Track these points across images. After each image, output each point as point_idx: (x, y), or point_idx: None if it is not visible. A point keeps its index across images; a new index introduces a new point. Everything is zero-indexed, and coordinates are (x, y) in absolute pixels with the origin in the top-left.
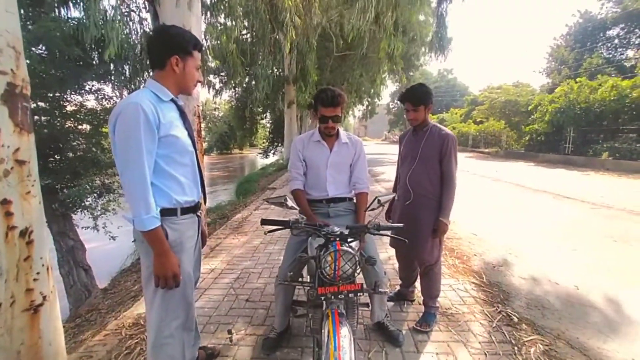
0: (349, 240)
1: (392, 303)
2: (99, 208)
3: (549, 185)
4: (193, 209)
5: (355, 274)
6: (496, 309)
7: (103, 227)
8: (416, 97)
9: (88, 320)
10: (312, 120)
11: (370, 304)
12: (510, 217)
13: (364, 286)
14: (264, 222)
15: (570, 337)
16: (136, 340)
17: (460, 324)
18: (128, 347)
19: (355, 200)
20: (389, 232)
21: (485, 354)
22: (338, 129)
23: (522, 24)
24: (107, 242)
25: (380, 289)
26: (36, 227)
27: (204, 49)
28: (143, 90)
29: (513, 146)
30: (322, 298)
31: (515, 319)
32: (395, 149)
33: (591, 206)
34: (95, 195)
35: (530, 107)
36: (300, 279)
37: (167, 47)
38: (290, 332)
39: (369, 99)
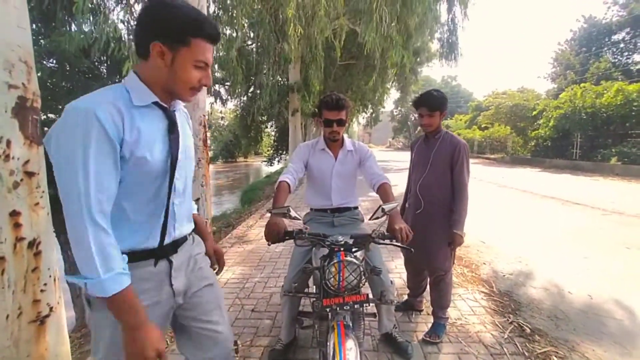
0: (354, 250)
1: (400, 313)
2: None
3: (557, 191)
4: (151, 253)
5: (361, 285)
6: (507, 320)
7: None
8: (432, 102)
9: None
10: (316, 128)
11: (377, 315)
12: (519, 224)
13: (370, 296)
14: (269, 235)
15: (586, 349)
16: None
17: (470, 335)
18: None
19: (368, 200)
20: (394, 242)
21: None
22: (343, 137)
23: (526, 30)
24: None
25: (386, 299)
26: (44, 239)
27: None
28: (112, 87)
29: (519, 152)
30: (328, 309)
31: (528, 330)
32: (399, 156)
33: (602, 212)
34: None
35: (534, 113)
36: (306, 290)
37: (150, 29)
38: (296, 343)
39: (373, 107)
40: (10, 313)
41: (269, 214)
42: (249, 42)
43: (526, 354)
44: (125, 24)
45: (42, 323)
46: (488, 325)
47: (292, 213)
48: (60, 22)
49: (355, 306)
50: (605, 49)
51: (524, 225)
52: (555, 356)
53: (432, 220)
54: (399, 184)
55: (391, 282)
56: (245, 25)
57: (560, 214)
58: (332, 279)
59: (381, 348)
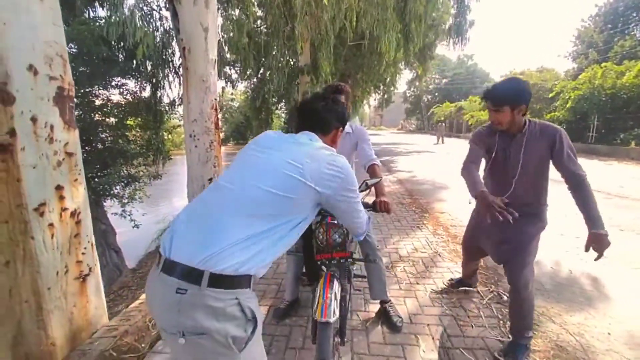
0: None
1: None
2: (126, 196)
3: None
4: None
5: (346, 244)
6: (489, 289)
7: (129, 215)
8: (496, 94)
9: (120, 296)
10: None
11: (368, 280)
12: None
13: (354, 255)
14: None
15: (554, 313)
16: None
17: (452, 301)
18: None
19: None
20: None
21: (472, 326)
22: None
23: (547, 5)
24: (134, 228)
25: (370, 258)
26: (83, 209)
27: (220, 41)
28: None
29: None
30: (319, 263)
31: (505, 298)
32: (410, 139)
33: (605, 196)
34: (122, 184)
35: (551, 95)
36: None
37: (338, 120)
38: (299, 302)
39: (385, 88)
40: (59, 270)
41: None
42: (258, 22)
43: (500, 316)
44: (140, 11)
45: (83, 280)
46: (471, 293)
47: None
48: (80, 10)
49: (341, 261)
50: (633, 25)
51: None
52: None
53: (524, 224)
54: (413, 169)
55: (377, 246)
56: (255, 4)
57: (563, 196)
58: (321, 236)
59: (371, 309)
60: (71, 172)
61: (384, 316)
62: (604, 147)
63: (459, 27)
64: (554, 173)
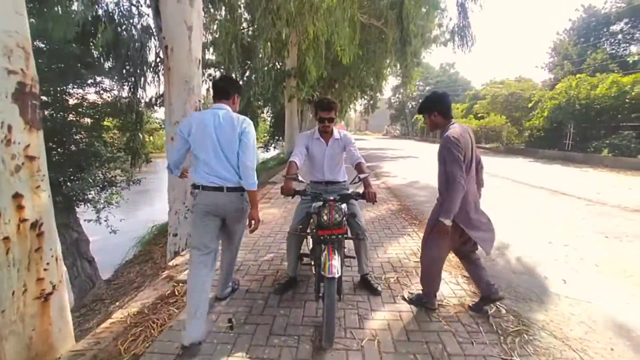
0: (337, 200)
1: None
2: (102, 201)
3: (546, 181)
4: None
5: (343, 223)
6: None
7: (105, 221)
8: (420, 106)
9: (93, 310)
10: (314, 116)
11: (357, 257)
12: (506, 213)
13: (349, 233)
14: (284, 192)
15: (554, 328)
16: (141, 328)
17: (450, 315)
18: (133, 334)
19: (347, 180)
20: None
21: (472, 343)
22: (332, 128)
23: (526, 17)
24: (110, 234)
25: (360, 236)
26: (46, 220)
27: (204, 42)
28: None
29: (514, 142)
30: (321, 237)
31: (503, 311)
32: (395, 144)
33: (586, 203)
34: (98, 188)
35: (530, 104)
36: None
37: (236, 88)
38: (297, 283)
39: (371, 93)
40: (16, 290)
41: (264, 198)
42: (244, 25)
43: (500, 332)
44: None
45: (45, 300)
46: (467, 306)
47: (299, 178)
48: (53, 3)
49: (339, 236)
50: (604, 39)
51: (510, 214)
52: (526, 334)
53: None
54: (401, 175)
55: (364, 227)
56: (242, 6)
57: (547, 203)
58: (325, 217)
59: (358, 292)
60: (32, 178)
61: (367, 285)
62: (579, 154)
63: (462, 30)
64: (540, 179)
